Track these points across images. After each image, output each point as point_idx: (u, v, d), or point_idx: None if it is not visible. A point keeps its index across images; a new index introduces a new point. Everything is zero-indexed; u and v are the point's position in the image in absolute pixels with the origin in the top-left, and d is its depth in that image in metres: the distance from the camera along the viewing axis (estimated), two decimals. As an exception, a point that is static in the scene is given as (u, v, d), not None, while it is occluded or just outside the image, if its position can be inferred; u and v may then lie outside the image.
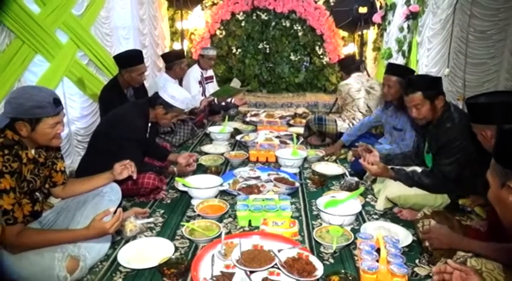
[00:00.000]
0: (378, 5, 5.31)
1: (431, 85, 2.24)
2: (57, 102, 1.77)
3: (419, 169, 2.45)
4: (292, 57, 6.44)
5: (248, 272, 1.74)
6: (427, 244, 1.88)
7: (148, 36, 5.16)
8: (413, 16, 4.11)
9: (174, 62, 4.28)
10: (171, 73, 4.30)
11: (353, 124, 3.77)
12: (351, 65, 4.14)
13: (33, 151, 1.83)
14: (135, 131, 2.57)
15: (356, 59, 4.61)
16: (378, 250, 1.87)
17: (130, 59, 3.23)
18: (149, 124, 2.75)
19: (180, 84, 5.24)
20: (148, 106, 2.69)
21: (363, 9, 5.10)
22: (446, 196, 2.29)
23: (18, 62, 2.75)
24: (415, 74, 2.82)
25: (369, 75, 5.52)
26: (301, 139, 3.86)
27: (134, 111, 2.65)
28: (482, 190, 2.06)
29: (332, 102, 5.53)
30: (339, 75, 6.48)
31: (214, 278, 1.72)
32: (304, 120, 4.55)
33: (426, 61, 3.64)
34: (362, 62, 5.65)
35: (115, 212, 1.76)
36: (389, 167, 2.39)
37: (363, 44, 5.81)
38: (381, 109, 3.28)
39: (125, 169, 2.15)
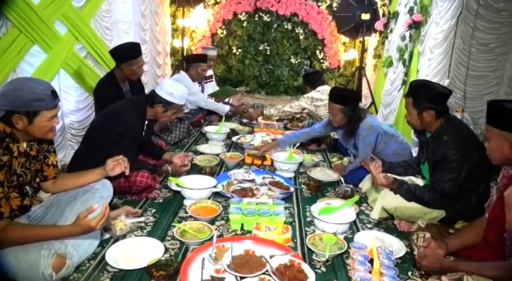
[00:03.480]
0: (380, 12, 5.30)
1: (427, 98, 2.20)
2: (54, 94, 1.74)
3: (421, 183, 2.43)
4: (293, 60, 6.43)
5: (239, 278, 1.71)
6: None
7: (149, 31, 5.12)
8: (415, 25, 4.09)
9: (190, 65, 4.38)
10: (189, 74, 4.40)
11: None
12: (317, 80, 4.21)
13: (24, 144, 1.78)
14: (129, 128, 2.53)
15: (322, 74, 4.68)
16: (371, 261, 1.85)
17: (130, 52, 3.20)
18: (146, 122, 2.72)
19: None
20: (145, 104, 2.65)
21: (365, 16, 5.09)
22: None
23: (15, 52, 2.71)
24: (424, 80, 2.75)
25: (368, 82, 5.53)
26: (298, 144, 3.83)
27: (130, 108, 2.61)
28: (477, 204, 2.08)
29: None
30: (338, 81, 6.50)
31: (204, 283, 1.69)
32: (301, 124, 4.53)
33: (427, 71, 3.63)
34: (362, 69, 5.66)
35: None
36: (393, 176, 2.36)
37: (363, 50, 5.80)
38: (329, 125, 3.26)
39: (118, 164, 2.11)
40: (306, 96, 4.10)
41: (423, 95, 2.20)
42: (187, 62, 4.51)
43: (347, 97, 2.96)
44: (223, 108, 4.64)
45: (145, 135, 2.76)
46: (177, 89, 2.64)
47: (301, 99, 4.16)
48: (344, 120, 2.96)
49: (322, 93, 4.01)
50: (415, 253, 1.76)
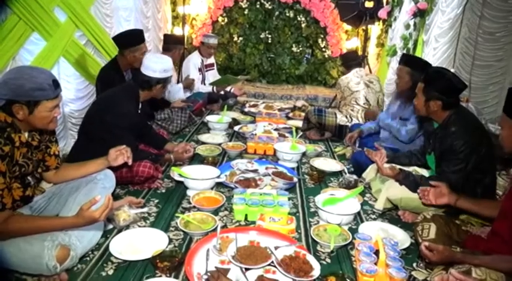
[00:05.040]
0: (384, 0, 5.22)
1: (438, 88, 2.16)
2: (56, 84, 1.71)
3: (426, 173, 2.41)
4: (294, 49, 6.35)
5: (244, 269, 1.70)
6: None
7: (151, 19, 5.04)
8: (420, 14, 4.04)
9: (175, 46, 4.21)
10: (168, 55, 4.16)
11: (351, 117, 3.75)
12: (353, 60, 4.10)
13: (26, 134, 1.76)
14: (125, 117, 2.47)
15: (358, 55, 4.58)
16: (377, 252, 1.84)
17: (133, 39, 3.17)
18: (139, 105, 2.69)
19: (179, 70, 5.17)
20: (137, 89, 2.62)
21: (369, 4, 5.02)
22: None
23: (14, 39, 2.66)
24: (440, 68, 2.69)
25: (370, 71, 5.47)
26: (300, 133, 3.81)
27: (124, 95, 2.57)
28: (482, 195, 2.07)
29: (332, 97, 5.48)
30: (340, 70, 6.43)
31: (209, 274, 1.68)
32: (303, 114, 4.50)
33: (432, 60, 3.57)
34: (364, 58, 5.60)
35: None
36: (398, 167, 2.34)
37: (366, 39, 5.73)
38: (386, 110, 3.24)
39: (120, 154, 2.09)
40: (345, 86, 3.94)
41: (435, 84, 2.17)
42: (168, 42, 4.25)
43: (417, 62, 2.89)
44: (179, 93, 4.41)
45: (145, 126, 2.75)
46: (165, 63, 2.64)
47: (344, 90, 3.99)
48: (409, 83, 2.81)
49: (352, 78, 3.89)
50: (422, 246, 1.73)
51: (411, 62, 2.87)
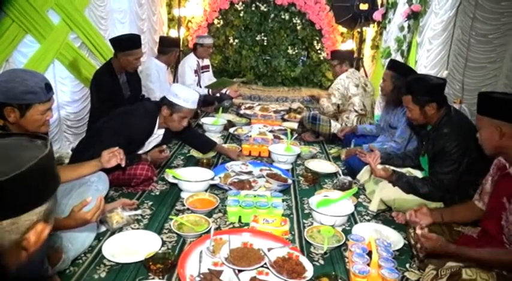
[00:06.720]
0: (379, 2, 5.24)
1: (425, 91, 2.19)
2: (48, 87, 1.70)
3: (419, 175, 2.42)
4: (290, 51, 6.38)
5: (236, 271, 1.70)
6: (418, 247, 1.85)
7: (147, 21, 5.04)
8: (414, 16, 4.05)
9: (172, 49, 4.21)
10: (164, 58, 4.19)
11: (346, 124, 3.74)
12: (349, 58, 4.04)
13: (18, 137, 1.75)
14: (126, 128, 2.44)
15: (354, 55, 4.56)
16: (370, 253, 1.84)
17: (129, 42, 3.16)
18: (160, 130, 2.68)
19: (175, 72, 5.17)
20: (157, 110, 2.59)
21: (363, 6, 5.02)
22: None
23: (7, 42, 2.64)
24: (417, 74, 2.75)
25: (365, 73, 5.49)
26: (295, 135, 3.81)
27: (141, 112, 2.57)
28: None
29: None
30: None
31: (202, 276, 1.67)
32: (298, 116, 4.51)
33: (425, 62, 3.60)
34: (360, 60, 5.61)
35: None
36: (391, 168, 2.35)
37: (361, 41, 5.75)
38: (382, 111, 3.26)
39: (113, 156, 2.07)
40: (337, 89, 3.86)
41: (420, 90, 2.19)
42: (164, 45, 4.24)
43: (401, 68, 2.92)
44: None
45: (162, 142, 2.81)
46: (183, 91, 2.53)
47: (332, 98, 3.92)
48: (391, 87, 2.86)
49: (352, 79, 3.82)
50: (417, 231, 1.71)
51: (395, 67, 2.91)
